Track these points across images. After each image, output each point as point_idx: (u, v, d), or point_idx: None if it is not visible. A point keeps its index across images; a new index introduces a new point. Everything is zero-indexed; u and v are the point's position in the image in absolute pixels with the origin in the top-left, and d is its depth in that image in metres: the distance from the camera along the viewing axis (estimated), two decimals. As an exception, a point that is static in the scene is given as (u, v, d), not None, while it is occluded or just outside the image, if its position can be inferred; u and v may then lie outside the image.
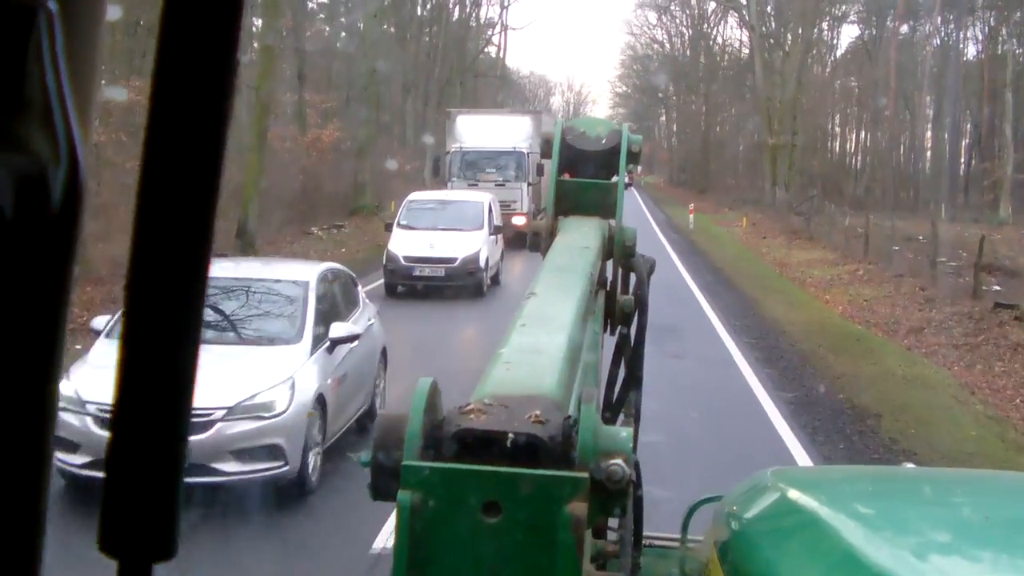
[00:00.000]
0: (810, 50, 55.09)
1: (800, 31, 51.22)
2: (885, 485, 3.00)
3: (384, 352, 10.66)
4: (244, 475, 7.71)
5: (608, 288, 3.41)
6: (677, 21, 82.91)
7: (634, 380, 3.23)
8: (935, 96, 55.65)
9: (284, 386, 8.00)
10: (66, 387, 7.27)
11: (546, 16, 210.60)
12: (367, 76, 36.55)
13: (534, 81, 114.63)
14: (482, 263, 19.65)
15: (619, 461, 1.28)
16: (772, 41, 56.56)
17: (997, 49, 53.39)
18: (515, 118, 32.43)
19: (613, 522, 2.51)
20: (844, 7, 60.92)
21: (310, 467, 8.15)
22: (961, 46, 57.62)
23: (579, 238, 3.09)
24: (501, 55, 73.45)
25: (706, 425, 10.90)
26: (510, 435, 1.27)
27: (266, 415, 7.80)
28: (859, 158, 65.87)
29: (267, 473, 7.78)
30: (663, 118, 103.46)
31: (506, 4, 67.72)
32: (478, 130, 30.15)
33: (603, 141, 3.57)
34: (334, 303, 9.75)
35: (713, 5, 71.92)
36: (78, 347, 8.36)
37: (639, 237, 3.35)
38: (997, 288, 20.37)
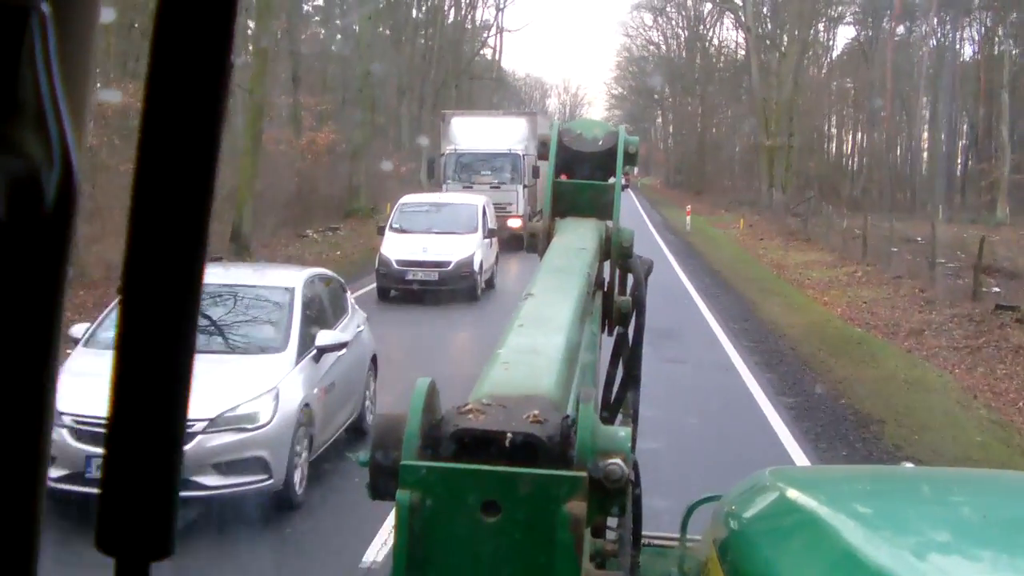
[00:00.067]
0: (806, 51, 55.13)
1: (796, 32, 51.26)
2: (884, 484, 3.00)
3: (374, 360, 10.45)
4: (226, 489, 7.42)
5: (606, 289, 3.42)
6: (673, 23, 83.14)
7: (632, 380, 3.23)
8: (931, 97, 55.70)
9: (268, 396, 7.74)
10: None
11: (542, 18, 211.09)
12: (362, 79, 36.55)
13: (530, 83, 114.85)
14: (476, 267, 19.45)
15: (617, 460, 1.28)
16: (768, 42, 56.56)
17: (993, 50, 53.43)
18: (510, 120, 32.15)
19: (612, 521, 2.51)
20: (840, 8, 61.01)
21: (296, 480, 7.89)
22: (957, 47, 57.87)
23: (576, 239, 3.10)
24: (497, 57, 73.57)
25: (706, 431, 10.83)
26: (508, 435, 1.27)
27: (249, 427, 7.54)
28: (856, 159, 66.04)
29: (250, 487, 7.50)
30: (659, 120, 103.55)
31: (502, 6, 67.76)
32: (473, 132, 29.78)
33: (600, 143, 3.58)
34: (321, 310, 9.53)
35: (709, 6, 72.17)
36: (69, 352, 8.27)
37: (636, 239, 3.35)
38: (997, 290, 20.30)
